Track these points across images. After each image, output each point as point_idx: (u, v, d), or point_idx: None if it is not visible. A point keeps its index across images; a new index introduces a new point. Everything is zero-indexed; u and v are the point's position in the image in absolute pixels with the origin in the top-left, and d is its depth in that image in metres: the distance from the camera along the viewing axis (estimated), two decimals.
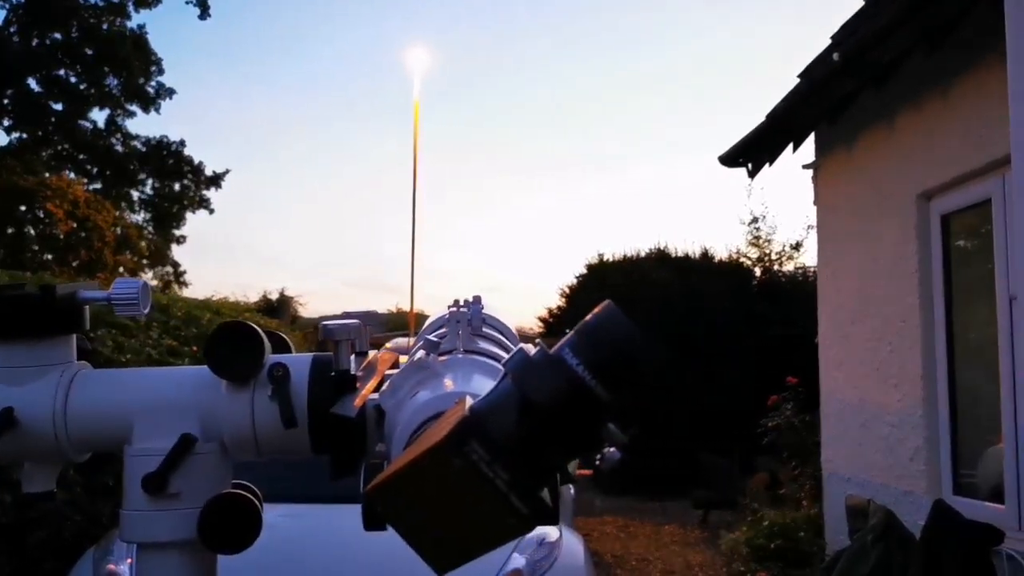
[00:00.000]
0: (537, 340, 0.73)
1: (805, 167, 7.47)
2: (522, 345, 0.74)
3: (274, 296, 23.44)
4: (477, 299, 1.08)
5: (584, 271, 13.43)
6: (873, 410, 6.14)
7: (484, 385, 0.83)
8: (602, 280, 12.57)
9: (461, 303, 1.07)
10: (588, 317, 0.71)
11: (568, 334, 0.71)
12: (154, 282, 21.44)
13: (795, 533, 7.00)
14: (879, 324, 6.09)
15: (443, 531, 0.70)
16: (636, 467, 9.21)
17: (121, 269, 19.95)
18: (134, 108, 22.85)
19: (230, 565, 1.05)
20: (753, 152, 7.45)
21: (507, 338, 1.11)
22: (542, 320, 14.03)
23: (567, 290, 13.84)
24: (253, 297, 21.74)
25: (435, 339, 0.99)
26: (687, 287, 11.53)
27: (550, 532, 4.20)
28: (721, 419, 10.49)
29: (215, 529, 0.97)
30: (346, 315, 1.94)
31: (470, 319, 1.04)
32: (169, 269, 23.89)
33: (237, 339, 1.00)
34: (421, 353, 0.94)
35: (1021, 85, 1.99)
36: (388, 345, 1.21)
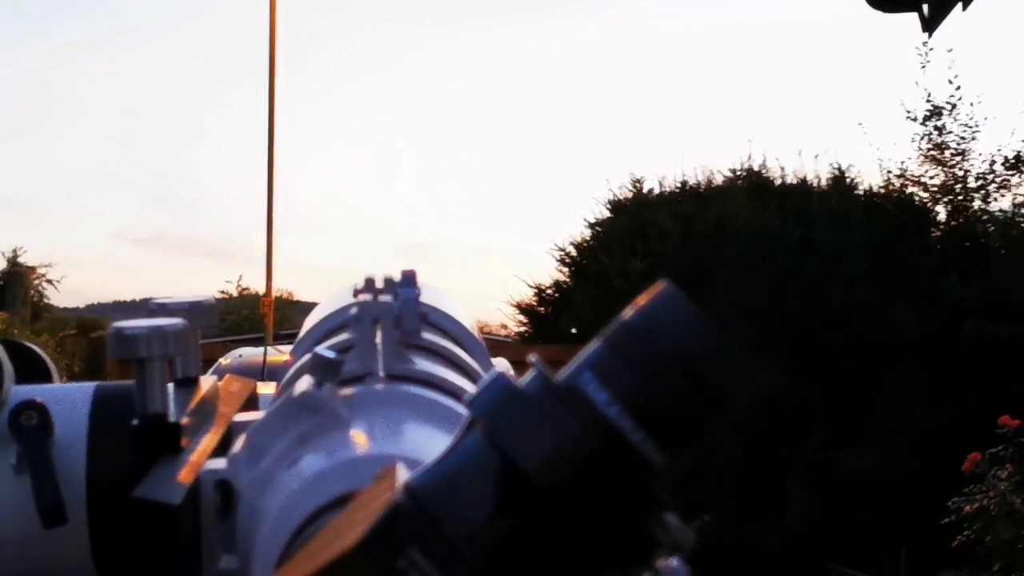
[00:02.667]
0: (531, 357, 0.52)
1: None
2: (500, 369, 0.54)
3: None
4: (410, 277, 0.84)
5: (606, 213, 10.04)
6: None
7: (425, 441, 0.69)
8: (640, 230, 9.36)
9: (379, 285, 0.84)
10: (627, 312, 0.52)
11: (591, 343, 0.53)
12: None
13: None
14: None
15: None
16: None
17: None
18: None
19: None
20: None
21: (465, 349, 0.91)
22: (523, 308, 10.40)
23: (571, 251, 10.13)
24: None
25: (331, 354, 0.72)
26: (806, 241, 8.72)
27: None
28: (870, 495, 7.92)
29: None
30: (158, 308, 0.83)
31: (398, 316, 0.80)
32: None
33: None
34: (306, 381, 0.72)
35: None
36: (224, 361, 0.43)
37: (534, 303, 10.45)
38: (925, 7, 5.80)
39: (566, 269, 10.17)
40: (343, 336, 0.87)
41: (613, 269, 9.08)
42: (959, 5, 5.70)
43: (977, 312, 8.19)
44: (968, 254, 9.10)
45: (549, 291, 10.20)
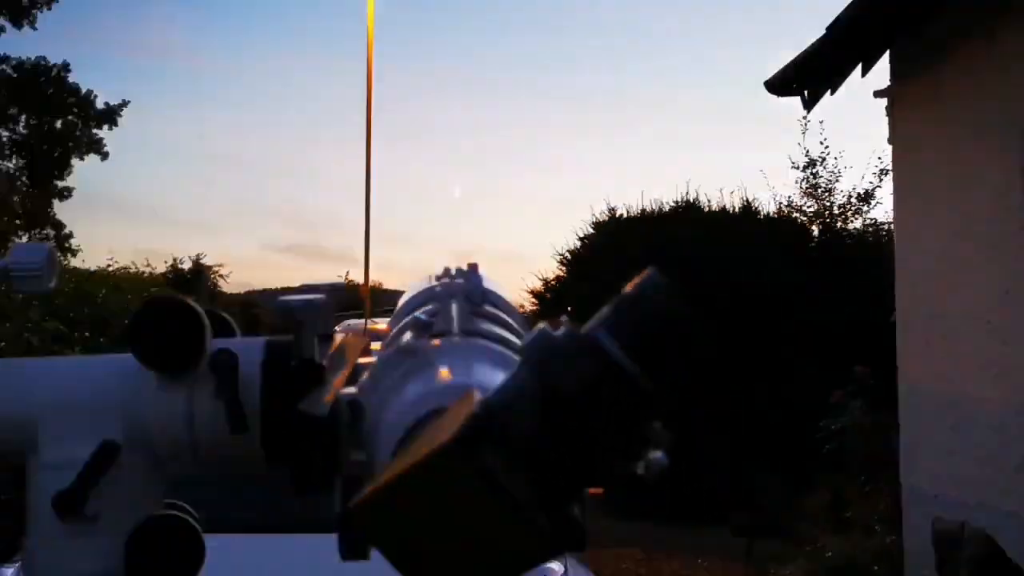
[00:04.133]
0: (562, 317, 0.69)
1: (877, 94, 7.00)
2: (543, 324, 0.69)
3: (187, 265, 21.24)
4: (474, 268, 1.02)
5: (591, 231, 12.63)
6: (968, 408, 5.80)
7: (490, 375, 0.83)
8: (614, 242, 11.72)
9: (453, 272, 1.03)
10: (627, 288, 0.69)
11: (602, 310, 0.68)
12: None
13: (866, 567, 6.48)
14: (975, 297, 5.78)
15: (445, 558, 0.67)
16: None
17: None
18: (1, 21, 20.01)
19: None
20: (810, 75, 6.94)
21: (511, 317, 1.04)
22: (535, 293, 13.18)
23: (567, 256, 12.83)
24: (160, 267, 19.73)
25: (425, 318, 0.93)
26: (723, 250, 10.72)
27: (553, 568, 3.75)
28: (769, 421, 9.77)
29: (146, 562, 0.95)
30: (306, 288, 1.10)
31: (467, 293, 0.98)
32: (50, 231, 21.03)
33: (170, 319, 0.97)
34: (408, 336, 0.91)
35: None
36: (338, 329, 1.10)
37: (541, 290, 12.92)
38: (805, 92, 7.21)
39: (563, 268, 12.66)
40: (429, 307, 1.02)
41: (594, 269, 11.08)
42: (828, 92, 7.12)
43: (843, 301, 10.05)
44: (834, 260, 11.10)
45: (552, 282, 12.68)
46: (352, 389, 0.93)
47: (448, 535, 0.66)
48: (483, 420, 0.65)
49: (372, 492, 0.68)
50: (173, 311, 0.97)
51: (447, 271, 1.04)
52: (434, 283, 1.06)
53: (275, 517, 3.61)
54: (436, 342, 0.90)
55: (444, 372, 0.85)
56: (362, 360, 1.03)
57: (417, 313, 0.98)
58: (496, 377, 0.79)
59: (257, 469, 1.00)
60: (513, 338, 0.93)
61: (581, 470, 0.66)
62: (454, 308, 0.95)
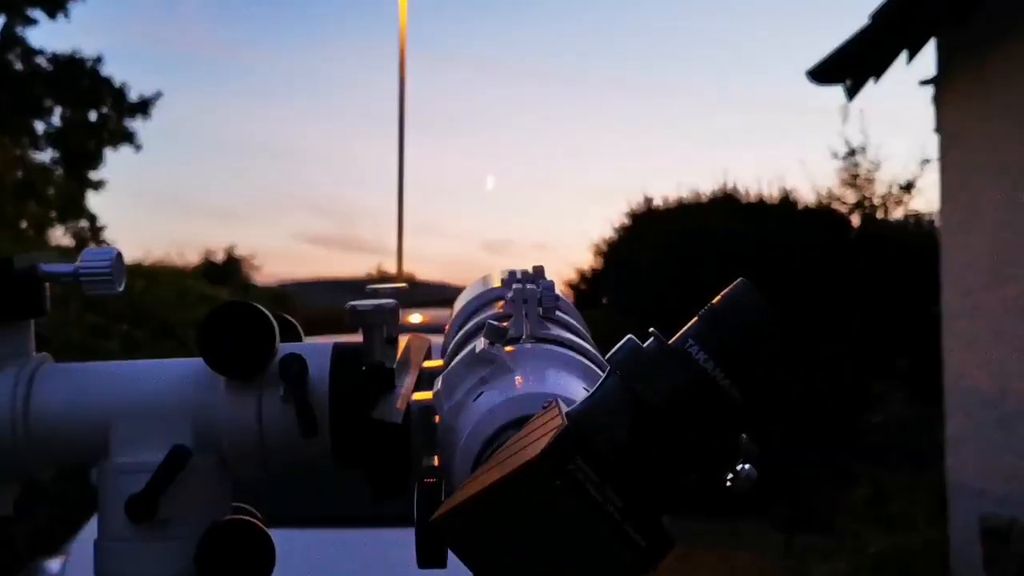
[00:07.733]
0: (652, 329, 0.67)
1: (923, 83, 6.92)
2: (631, 336, 0.67)
3: (220, 257, 21.62)
4: (540, 271, 0.97)
5: (628, 222, 12.68)
6: (1016, 402, 5.78)
7: (565, 382, 0.81)
8: (651, 232, 11.75)
9: (518, 275, 0.97)
10: (716, 299, 0.67)
11: (692, 320, 0.67)
12: (67, 240, 18.80)
13: (911, 564, 6.40)
14: (1023, 289, 5.82)
15: (534, 571, 0.65)
16: None
17: (24, 224, 16.22)
18: (35, 13, 19.62)
19: None
20: (854, 64, 6.92)
21: (577, 322, 1.00)
22: (572, 286, 13.46)
23: (604, 247, 13.02)
24: (193, 258, 20.27)
25: (496, 323, 0.87)
26: (762, 240, 10.60)
27: None
28: (810, 413, 9.69)
29: (219, 564, 0.93)
30: (372, 292, 1.06)
31: (540, 298, 0.92)
32: (85, 223, 20.25)
33: (239, 324, 0.94)
34: (482, 342, 0.86)
35: None
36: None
37: (577, 281, 13.29)
38: (848, 81, 7.33)
39: (599, 258, 12.84)
40: (491, 312, 1.01)
41: (631, 259, 11.02)
42: (871, 80, 7.26)
43: (883, 292, 9.98)
44: (879, 251, 10.85)
45: (587, 273, 13.02)
46: (426, 395, 0.93)
47: (537, 548, 0.65)
48: (572, 433, 0.64)
49: (459, 503, 0.66)
50: (241, 316, 0.95)
51: (512, 275, 1.00)
52: (497, 286, 1.05)
53: (323, 509, 3.57)
54: (510, 348, 0.88)
55: (520, 380, 0.83)
56: (428, 364, 1.04)
57: (488, 319, 0.95)
58: (573, 384, 0.80)
59: (324, 471, 0.99)
60: (582, 343, 0.92)
61: (671, 482, 0.64)
62: (526, 313, 0.92)
